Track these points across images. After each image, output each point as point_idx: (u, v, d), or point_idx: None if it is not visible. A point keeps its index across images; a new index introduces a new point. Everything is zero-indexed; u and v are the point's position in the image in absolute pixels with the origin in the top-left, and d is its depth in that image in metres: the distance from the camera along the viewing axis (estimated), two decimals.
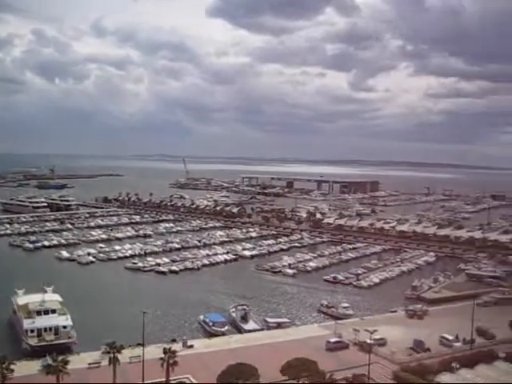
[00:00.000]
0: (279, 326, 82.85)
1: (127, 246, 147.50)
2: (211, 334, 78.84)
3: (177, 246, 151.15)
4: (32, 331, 72.21)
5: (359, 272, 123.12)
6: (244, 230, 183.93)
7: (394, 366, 63.62)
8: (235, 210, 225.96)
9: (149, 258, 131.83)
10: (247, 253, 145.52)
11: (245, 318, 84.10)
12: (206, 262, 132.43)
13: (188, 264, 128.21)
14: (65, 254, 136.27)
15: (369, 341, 64.42)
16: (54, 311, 76.67)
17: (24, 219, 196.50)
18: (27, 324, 73.26)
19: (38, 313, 75.68)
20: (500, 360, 65.75)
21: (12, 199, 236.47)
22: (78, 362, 61.91)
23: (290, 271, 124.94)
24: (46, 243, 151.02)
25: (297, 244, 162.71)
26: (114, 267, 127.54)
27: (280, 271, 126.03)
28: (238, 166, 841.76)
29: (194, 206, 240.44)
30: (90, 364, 62.67)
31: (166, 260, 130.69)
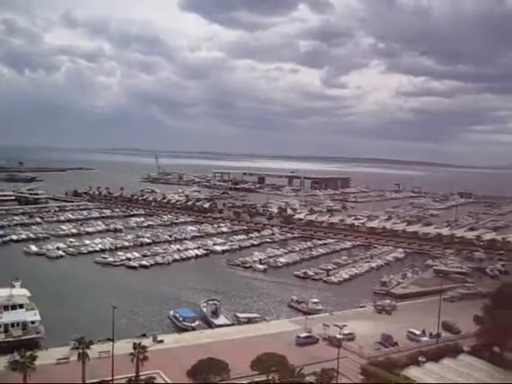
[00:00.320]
0: (250, 321, 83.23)
1: (97, 240, 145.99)
2: (182, 329, 78.69)
3: (148, 240, 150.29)
4: None
5: (329, 268, 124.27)
6: (215, 225, 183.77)
7: (363, 361, 64.72)
8: (207, 205, 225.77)
9: (119, 253, 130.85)
10: (218, 248, 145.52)
11: (215, 313, 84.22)
12: (177, 256, 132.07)
13: (159, 259, 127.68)
14: (33, 248, 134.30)
15: (338, 336, 65.40)
16: (21, 306, 75.28)
17: None
18: None
19: (5, 308, 74.20)
20: (464, 353, 67.35)
21: None
22: (46, 357, 61.23)
23: (261, 266, 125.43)
24: (14, 237, 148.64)
25: (268, 239, 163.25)
26: (84, 262, 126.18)
27: (251, 266, 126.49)
28: (210, 161, 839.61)
29: (166, 201, 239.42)
30: (58, 360, 62.05)
31: (137, 255, 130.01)
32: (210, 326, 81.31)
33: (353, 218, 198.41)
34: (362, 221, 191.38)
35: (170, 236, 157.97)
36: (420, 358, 63.85)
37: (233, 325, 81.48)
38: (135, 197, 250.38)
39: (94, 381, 55.19)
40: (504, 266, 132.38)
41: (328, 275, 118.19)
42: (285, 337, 72.96)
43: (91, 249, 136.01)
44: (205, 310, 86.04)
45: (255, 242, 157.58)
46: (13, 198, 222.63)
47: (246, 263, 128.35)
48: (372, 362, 63.03)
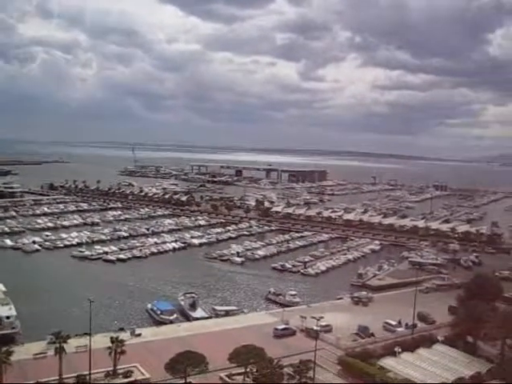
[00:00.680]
0: (227, 313, 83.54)
1: (74, 234, 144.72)
2: (159, 323, 78.66)
3: (125, 234, 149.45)
4: None
5: (307, 260, 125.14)
6: (193, 218, 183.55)
7: (340, 352, 65.41)
8: (184, 198, 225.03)
9: (96, 246, 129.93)
10: (196, 241, 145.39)
11: (193, 306, 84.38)
12: (154, 250, 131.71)
13: (136, 252, 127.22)
14: (8, 242, 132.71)
15: (315, 327, 65.91)
16: None
17: None
18: None
19: None
20: (439, 343, 68.57)
21: None
22: (22, 352, 60.67)
23: (239, 259, 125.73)
24: None
25: (245, 232, 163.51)
26: (61, 256, 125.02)
27: (228, 259, 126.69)
28: (187, 153, 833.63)
29: (143, 194, 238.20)
30: (35, 354, 61.42)
31: (114, 248, 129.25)
32: (188, 319, 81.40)
33: (330, 210, 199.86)
34: (338, 213, 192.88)
35: (148, 229, 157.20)
36: (396, 349, 64.81)
37: (210, 317, 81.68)
38: (112, 190, 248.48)
39: (71, 375, 54.88)
40: (478, 257, 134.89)
41: (305, 267, 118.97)
42: (262, 329, 73.35)
43: (68, 243, 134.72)
44: (182, 303, 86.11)
45: (233, 235, 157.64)
46: None
47: (223, 256, 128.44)
48: (349, 353, 63.73)
